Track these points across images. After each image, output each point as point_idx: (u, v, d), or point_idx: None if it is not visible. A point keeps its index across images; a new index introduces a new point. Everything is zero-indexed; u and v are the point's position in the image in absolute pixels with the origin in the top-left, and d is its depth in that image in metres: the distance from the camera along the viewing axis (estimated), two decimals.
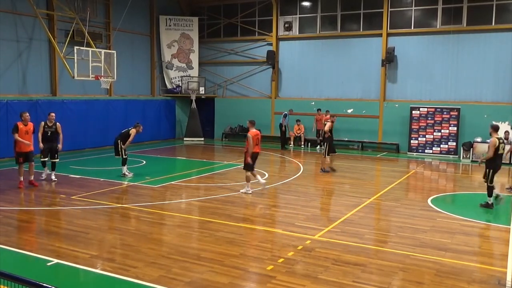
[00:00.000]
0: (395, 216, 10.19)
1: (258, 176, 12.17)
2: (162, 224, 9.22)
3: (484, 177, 10.86)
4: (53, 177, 13.15)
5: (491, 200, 10.74)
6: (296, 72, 23.44)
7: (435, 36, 20.31)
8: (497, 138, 10.66)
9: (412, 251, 7.62)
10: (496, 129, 10.95)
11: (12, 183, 12.76)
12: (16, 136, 11.85)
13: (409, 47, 20.81)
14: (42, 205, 10.51)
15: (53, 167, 13.24)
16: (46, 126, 12.99)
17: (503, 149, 10.98)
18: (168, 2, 25.32)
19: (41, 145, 12.93)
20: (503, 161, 11.38)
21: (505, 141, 11.90)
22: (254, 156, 12.05)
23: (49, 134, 13.04)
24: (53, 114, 13.25)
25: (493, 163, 10.64)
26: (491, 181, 10.64)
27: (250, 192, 11.81)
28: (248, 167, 11.88)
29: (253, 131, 12.01)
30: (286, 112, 21.84)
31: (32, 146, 12.28)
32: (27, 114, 12.25)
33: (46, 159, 13.24)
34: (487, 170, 10.68)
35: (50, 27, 18.65)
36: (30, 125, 12.18)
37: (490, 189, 10.71)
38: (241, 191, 12.00)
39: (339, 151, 20.85)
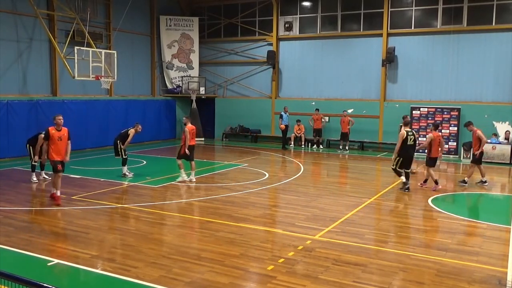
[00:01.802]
0: (395, 216, 10.19)
1: (193, 166, 13.33)
2: (162, 224, 9.22)
3: (392, 163, 12.61)
4: (44, 175, 13.20)
5: (403, 179, 12.37)
6: (297, 72, 23.43)
7: (436, 36, 20.30)
8: (406, 131, 12.29)
9: (412, 251, 7.62)
10: (406, 123, 12.74)
11: (12, 183, 12.77)
12: (45, 145, 10.49)
13: (410, 47, 20.80)
14: (42, 205, 10.51)
15: (42, 167, 13.22)
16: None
17: (412, 140, 12.35)
18: (168, 2, 25.32)
19: (36, 158, 12.81)
20: (503, 161, 11.61)
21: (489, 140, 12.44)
22: (191, 148, 13.14)
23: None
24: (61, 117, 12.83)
25: (404, 152, 12.32)
26: (399, 166, 12.41)
27: (187, 178, 13.05)
28: (183, 156, 13.08)
29: (189, 126, 13.14)
30: (281, 113, 21.85)
31: (65, 155, 10.68)
32: (61, 117, 10.60)
33: (37, 163, 13.06)
34: (398, 157, 12.39)
35: (51, 27, 18.65)
36: (64, 130, 10.52)
37: (396, 172, 12.54)
38: (177, 180, 13.06)
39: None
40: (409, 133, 12.36)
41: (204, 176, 14.50)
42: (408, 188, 12.33)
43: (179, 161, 13.17)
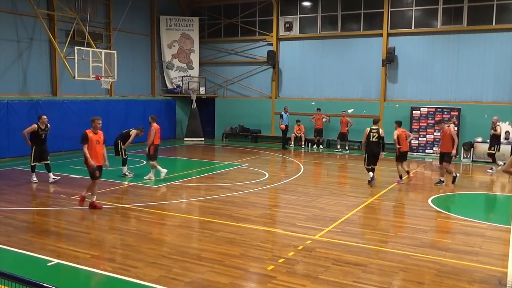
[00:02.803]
0: (395, 216, 10.19)
1: (158, 167, 13.46)
2: (162, 224, 9.22)
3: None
4: (52, 177, 13.02)
5: (371, 175, 12.96)
6: (297, 72, 23.43)
7: (436, 36, 20.30)
8: (370, 128, 13.03)
9: (412, 251, 7.62)
10: (375, 121, 13.37)
11: (12, 183, 12.77)
12: (85, 149, 9.84)
13: (410, 47, 20.80)
14: (42, 205, 10.51)
15: (48, 168, 13.04)
16: (39, 129, 12.66)
17: (376, 137, 12.89)
18: (168, 2, 25.33)
19: (29, 142, 12.63)
20: (504, 161, 11.62)
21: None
22: (156, 147, 13.35)
23: (43, 137, 12.81)
24: (45, 117, 12.89)
25: (367, 148, 13.06)
26: (367, 163, 13.15)
27: (163, 171, 13.27)
28: (153, 157, 13.30)
29: (156, 125, 13.29)
30: (282, 113, 21.87)
31: (105, 160, 10.35)
32: (100, 120, 10.20)
33: (36, 163, 12.93)
34: (364, 154, 13.33)
35: (51, 27, 18.65)
36: (100, 133, 10.16)
37: (367, 169, 13.18)
38: (144, 177, 13.39)
39: (340, 151, 20.88)
40: (373, 130, 12.94)
41: (204, 176, 14.51)
42: (371, 183, 12.90)
43: (153, 162, 13.38)
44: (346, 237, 8.30)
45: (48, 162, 13.03)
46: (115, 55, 18.49)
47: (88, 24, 18.80)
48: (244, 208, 10.39)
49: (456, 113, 19.47)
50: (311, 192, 12.32)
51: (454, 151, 13.09)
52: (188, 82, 24.78)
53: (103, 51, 18.43)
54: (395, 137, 13.54)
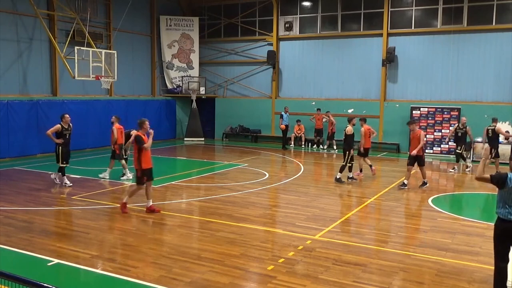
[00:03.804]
0: (395, 216, 10.19)
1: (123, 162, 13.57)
2: (162, 224, 9.21)
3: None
4: (67, 182, 12.64)
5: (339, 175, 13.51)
6: (297, 72, 23.43)
7: (436, 36, 20.30)
8: (351, 126, 13.64)
9: (412, 251, 7.62)
10: (349, 120, 13.83)
11: (12, 183, 12.77)
12: (148, 143, 9.61)
13: (410, 47, 20.80)
14: (42, 205, 10.51)
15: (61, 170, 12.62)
16: (63, 129, 12.26)
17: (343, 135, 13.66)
18: (168, 2, 25.33)
19: (57, 140, 12.13)
20: (504, 161, 11.63)
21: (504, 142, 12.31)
22: (121, 147, 13.43)
23: (67, 136, 12.42)
24: (68, 116, 12.51)
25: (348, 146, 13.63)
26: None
27: (129, 174, 13.30)
28: (121, 156, 13.40)
29: (118, 125, 13.39)
30: (282, 113, 21.89)
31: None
32: (147, 122, 10.00)
33: (65, 165, 12.44)
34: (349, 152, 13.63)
35: (51, 27, 18.65)
36: (146, 136, 9.88)
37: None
38: (99, 175, 13.54)
39: (339, 151, 20.86)
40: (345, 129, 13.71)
41: (204, 176, 14.51)
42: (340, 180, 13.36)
43: (123, 161, 13.46)
44: (346, 237, 8.30)
45: (67, 165, 12.65)
46: (115, 55, 18.49)
47: (88, 24, 18.79)
48: (244, 208, 10.40)
49: (456, 112, 19.48)
50: (311, 192, 12.32)
51: (414, 152, 12.52)
52: (188, 82, 24.78)
53: (103, 51, 18.43)
54: (363, 134, 14.28)
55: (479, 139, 18.70)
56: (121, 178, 13.47)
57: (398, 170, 16.16)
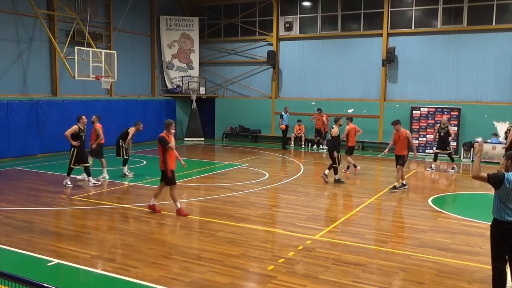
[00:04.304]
0: (395, 216, 10.19)
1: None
2: (162, 224, 9.21)
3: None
4: (93, 181, 12.58)
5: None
6: (297, 72, 23.43)
7: (436, 36, 20.29)
8: (338, 127, 13.36)
9: (412, 251, 7.62)
10: (335, 120, 13.48)
11: (12, 183, 12.77)
12: (165, 153, 9.52)
13: (410, 47, 20.79)
14: (42, 205, 10.51)
15: (88, 172, 12.61)
16: (80, 130, 12.34)
17: (329, 136, 13.60)
18: (168, 2, 25.33)
19: (74, 143, 12.17)
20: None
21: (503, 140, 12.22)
22: (102, 146, 13.51)
23: (83, 138, 12.47)
24: (85, 117, 12.63)
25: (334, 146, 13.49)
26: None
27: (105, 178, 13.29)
28: (100, 154, 13.41)
29: (99, 125, 13.44)
30: (282, 113, 21.89)
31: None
32: (174, 124, 9.90)
33: (76, 166, 12.43)
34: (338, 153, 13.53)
35: (51, 27, 18.65)
36: (172, 137, 9.79)
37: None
38: (99, 178, 13.24)
39: (340, 151, 20.84)
40: (331, 129, 13.64)
41: (204, 176, 14.51)
42: (325, 178, 13.41)
43: (102, 160, 13.47)
44: (346, 237, 8.30)
45: (88, 165, 12.61)
46: (115, 55, 18.49)
47: (88, 24, 18.79)
48: (244, 208, 10.40)
49: (456, 112, 19.49)
50: (311, 192, 12.33)
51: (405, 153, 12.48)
52: (188, 82, 24.78)
53: (103, 51, 18.43)
54: (346, 132, 14.75)
55: (479, 139, 18.71)
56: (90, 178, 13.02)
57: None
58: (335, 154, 13.26)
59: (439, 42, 20.21)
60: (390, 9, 20.99)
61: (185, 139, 24.46)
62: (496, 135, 18.47)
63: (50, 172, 14.61)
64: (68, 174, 12.44)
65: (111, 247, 7.73)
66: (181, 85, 25.01)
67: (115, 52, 18.71)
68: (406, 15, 20.88)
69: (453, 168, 16.10)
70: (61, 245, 7.71)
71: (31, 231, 8.42)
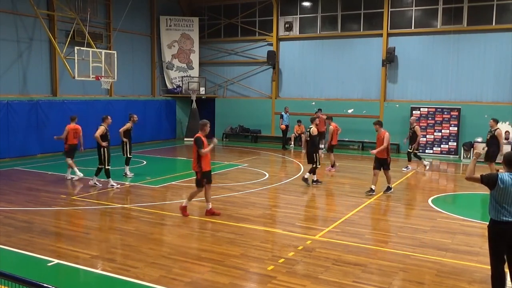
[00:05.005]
0: (395, 216, 10.19)
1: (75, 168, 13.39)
2: (162, 224, 9.21)
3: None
4: (111, 183, 12.47)
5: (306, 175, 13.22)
6: (297, 72, 23.43)
7: (436, 36, 20.30)
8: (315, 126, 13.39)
9: (412, 251, 7.62)
10: (311, 120, 13.45)
11: (12, 183, 12.76)
12: (206, 150, 9.50)
13: (410, 47, 20.80)
14: (42, 205, 10.51)
15: (101, 172, 12.55)
16: (107, 130, 12.33)
17: (308, 136, 13.24)
18: (168, 2, 25.33)
19: (103, 144, 12.15)
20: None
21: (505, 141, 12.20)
22: (73, 147, 13.59)
23: (109, 138, 12.43)
24: (110, 117, 12.66)
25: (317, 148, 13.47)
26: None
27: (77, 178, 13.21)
28: (70, 154, 13.50)
29: (72, 125, 13.55)
30: (282, 113, 21.90)
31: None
32: (209, 125, 9.76)
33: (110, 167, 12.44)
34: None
35: (51, 27, 18.65)
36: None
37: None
38: (74, 179, 13.22)
39: (340, 151, 20.86)
40: (308, 130, 13.35)
41: None
42: (306, 180, 13.04)
43: (69, 161, 13.35)
44: (346, 237, 8.30)
45: (108, 167, 12.47)
46: (115, 55, 18.49)
47: (88, 24, 18.80)
48: (244, 208, 10.40)
49: (456, 112, 19.49)
50: (311, 192, 12.32)
51: (374, 151, 12.06)
52: (188, 82, 24.78)
53: (103, 51, 18.44)
54: (331, 132, 15.48)
55: (479, 139, 18.72)
56: (71, 178, 13.22)
57: (398, 170, 16.15)
58: (315, 154, 12.94)
59: (439, 42, 20.21)
60: (390, 9, 20.99)
61: (185, 139, 24.46)
62: None
63: (50, 172, 14.60)
64: (108, 176, 12.30)
65: (111, 247, 7.73)
66: (181, 85, 25.01)
67: (115, 52, 18.72)
68: (406, 15, 20.88)
69: (406, 167, 16.19)
70: (61, 245, 7.71)
71: (31, 231, 8.42)
